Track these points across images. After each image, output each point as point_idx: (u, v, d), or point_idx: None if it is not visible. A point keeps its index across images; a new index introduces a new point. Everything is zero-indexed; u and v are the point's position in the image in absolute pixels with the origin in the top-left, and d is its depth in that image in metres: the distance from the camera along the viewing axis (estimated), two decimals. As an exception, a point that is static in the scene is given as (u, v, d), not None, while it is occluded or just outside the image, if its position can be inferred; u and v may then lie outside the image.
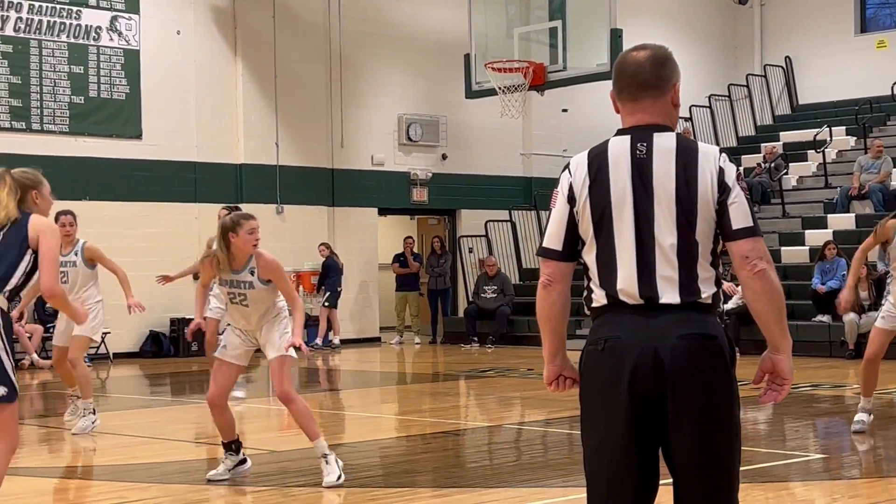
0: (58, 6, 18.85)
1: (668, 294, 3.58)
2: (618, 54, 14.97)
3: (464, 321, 21.38)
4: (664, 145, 3.63)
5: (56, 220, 10.67)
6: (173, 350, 19.64)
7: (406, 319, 22.60)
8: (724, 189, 3.60)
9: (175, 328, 19.69)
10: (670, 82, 3.73)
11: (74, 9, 19.02)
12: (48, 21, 18.76)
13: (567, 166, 3.75)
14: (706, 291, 3.62)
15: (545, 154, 24.46)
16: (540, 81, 17.89)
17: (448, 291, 22.60)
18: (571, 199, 3.68)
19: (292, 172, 21.32)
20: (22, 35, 18.52)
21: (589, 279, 3.73)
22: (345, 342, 21.16)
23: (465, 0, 19.13)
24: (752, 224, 3.61)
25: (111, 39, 19.42)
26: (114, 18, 19.44)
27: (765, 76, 26.76)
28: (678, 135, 3.69)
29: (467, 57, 18.94)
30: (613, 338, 3.61)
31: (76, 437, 10.45)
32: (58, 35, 18.88)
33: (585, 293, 3.74)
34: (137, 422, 11.61)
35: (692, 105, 25.67)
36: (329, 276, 20.93)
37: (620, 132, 3.72)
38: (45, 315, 18.29)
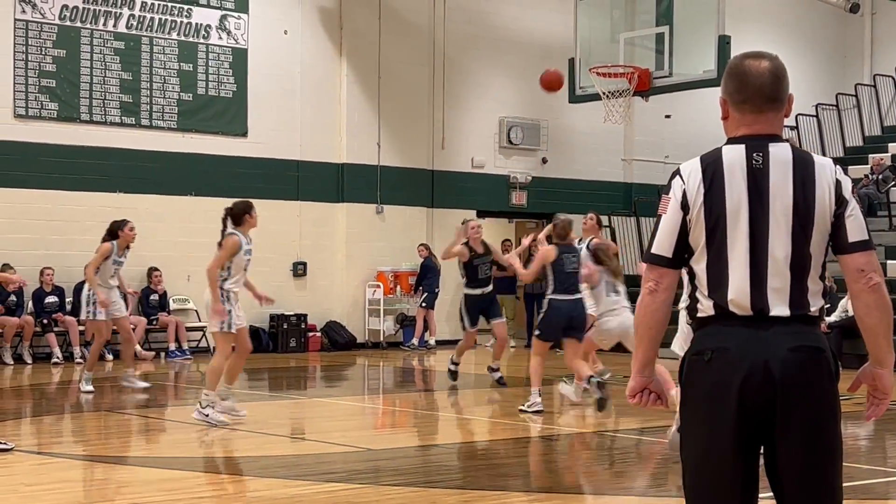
0: (169, 4, 19.21)
1: (779, 306, 3.56)
2: (725, 61, 14.81)
3: (560, 326, 21.26)
4: (780, 156, 3.61)
5: (250, 210, 11.17)
6: (272, 346, 19.88)
7: (502, 322, 22.55)
8: (841, 202, 3.62)
9: (274, 324, 19.94)
10: (787, 94, 3.72)
11: (185, 7, 19.36)
12: (159, 19, 19.13)
13: (678, 172, 3.70)
14: (815, 305, 3.62)
15: (646, 160, 24.29)
16: (645, 87, 17.75)
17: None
18: (685, 206, 3.63)
19: (393, 173, 21.45)
20: (134, 32, 18.90)
21: (695, 288, 3.70)
22: (440, 343, 21.23)
23: (571, 4, 19.07)
24: (867, 237, 3.63)
25: (220, 38, 19.74)
26: (223, 17, 19.76)
27: (874, 86, 26.23)
28: (792, 145, 3.66)
29: (571, 61, 18.87)
30: (721, 349, 3.57)
31: (179, 429, 10.63)
32: (168, 33, 19.23)
33: (689, 302, 3.72)
34: (236, 415, 11.76)
35: (799, 114, 25.24)
36: (427, 277, 21.02)
37: (733, 141, 3.68)
38: (148, 308, 18.65)
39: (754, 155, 3.60)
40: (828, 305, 19.05)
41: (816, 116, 25.45)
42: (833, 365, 3.60)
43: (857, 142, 25.67)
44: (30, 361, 17.18)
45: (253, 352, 19.39)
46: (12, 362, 16.92)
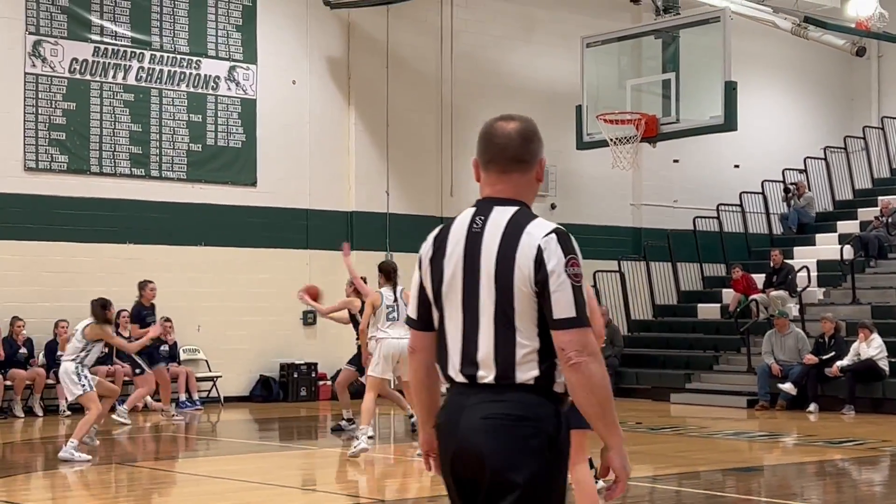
0: (178, 56, 19.34)
1: (486, 374, 3.43)
2: (732, 107, 14.87)
3: (571, 372, 21.20)
4: (498, 220, 3.50)
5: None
6: (282, 395, 19.83)
7: (513, 369, 22.49)
8: (541, 270, 3.42)
9: (284, 373, 19.88)
10: (533, 156, 3.63)
11: (194, 59, 19.49)
12: (168, 71, 19.25)
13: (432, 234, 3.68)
14: (527, 372, 3.41)
15: (655, 205, 24.30)
16: (652, 133, 17.79)
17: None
18: (421, 270, 3.60)
19: (402, 220, 21.47)
20: (143, 84, 19.01)
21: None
22: (451, 391, 21.14)
23: (578, 52, 19.16)
24: (574, 314, 3.37)
25: (229, 89, 19.85)
26: (232, 68, 19.88)
27: (882, 128, 26.25)
28: (520, 209, 3.55)
29: (579, 108, 18.93)
30: (443, 417, 3.54)
31: (190, 482, 10.59)
32: (178, 84, 19.35)
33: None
34: (246, 467, 11.72)
35: (807, 157, 25.30)
36: (437, 325, 20.95)
37: (476, 203, 3.62)
38: (159, 358, 18.58)
39: (477, 219, 3.53)
40: (833, 353, 18.64)
41: (825, 159, 25.47)
42: (543, 432, 3.37)
43: (866, 184, 25.66)
44: (41, 414, 17.15)
45: (263, 401, 19.48)
46: (23, 415, 16.89)
